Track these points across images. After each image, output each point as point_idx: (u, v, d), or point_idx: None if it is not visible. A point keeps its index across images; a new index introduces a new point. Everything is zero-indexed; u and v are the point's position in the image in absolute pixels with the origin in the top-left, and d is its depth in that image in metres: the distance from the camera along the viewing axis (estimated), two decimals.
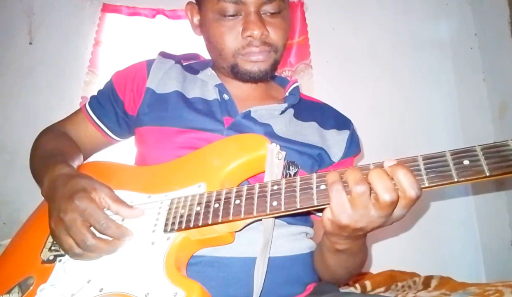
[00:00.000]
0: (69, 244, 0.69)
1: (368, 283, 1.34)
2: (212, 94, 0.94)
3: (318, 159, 0.91)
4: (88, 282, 0.68)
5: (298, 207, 0.63)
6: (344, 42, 2.01)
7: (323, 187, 0.62)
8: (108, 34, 1.88)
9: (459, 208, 1.91)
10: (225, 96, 0.93)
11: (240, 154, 0.77)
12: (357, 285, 1.32)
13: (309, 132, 0.93)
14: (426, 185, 0.57)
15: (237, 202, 0.67)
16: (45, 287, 0.69)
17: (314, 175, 0.64)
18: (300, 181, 0.65)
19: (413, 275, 1.33)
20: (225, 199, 0.68)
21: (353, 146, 0.97)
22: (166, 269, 0.65)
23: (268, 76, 0.92)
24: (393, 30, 2.04)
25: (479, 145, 0.56)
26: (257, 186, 0.68)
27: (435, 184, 0.57)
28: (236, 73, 0.91)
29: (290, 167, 0.76)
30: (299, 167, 0.77)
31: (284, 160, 0.76)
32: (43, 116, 1.76)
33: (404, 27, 2.05)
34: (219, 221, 0.67)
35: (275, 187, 0.66)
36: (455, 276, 1.23)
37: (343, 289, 1.17)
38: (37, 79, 1.84)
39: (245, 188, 0.68)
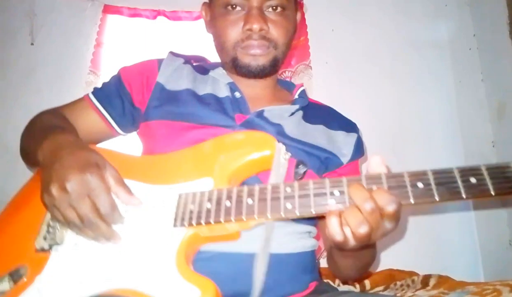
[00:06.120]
0: (73, 216, 0.66)
1: (367, 282, 1.35)
2: (223, 92, 0.96)
3: (325, 162, 0.92)
4: (87, 279, 0.66)
5: (314, 213, 0.62)
6: (343, 43, 2.02)
7: (337, 193, 0.61)
8: (109, 35, 1.89)
9: (458, 207, 1.91)
10: (237, 94, 0.94)
11: (248, 152, 0.75)
12: (356, 284, 1.33)
13: (317, 135, 0.95)
14: (437, 199, 0.57)
15: (250, 202, 0.65)
16: (43, 284, 0.66)
17: (327, 180, 0.63)
18: (314, 184, 0.63)
19: (412, 274, 1.34)
20: (237, 197, 0.66)
21: (360, 149, 0.99)
22: (178, 266, 0.64)
23: (267, 72, 0.94)
24: (392, 31, 2.05)
25: (483, 165, 0.58)
26: (269, 187, 0.66)
27: (445, 199, 0.58)
28: (237, 67, 0.94)
29: (299, 165, 0.77)
30: (308, 166, 0.78)
31: (294, 159, 0.76)
32: None
33: (403, 28, 2.05)
34: (232, 220, 0.65)
35: (288, 189, 0.64)
36: (454, 275, 1.24)
37: (342, 288, 1.18)
38: (38, 80, 1.84)
39: (257, 188, 0.66)
